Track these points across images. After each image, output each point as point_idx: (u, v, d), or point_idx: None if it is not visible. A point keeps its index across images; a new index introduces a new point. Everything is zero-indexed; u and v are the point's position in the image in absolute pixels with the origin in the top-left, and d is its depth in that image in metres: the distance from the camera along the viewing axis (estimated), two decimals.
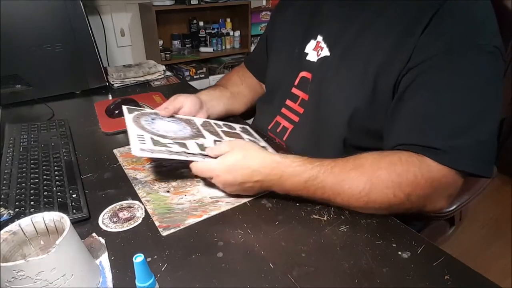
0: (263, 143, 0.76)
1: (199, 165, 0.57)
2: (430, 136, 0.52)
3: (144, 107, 0.96)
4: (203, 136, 0.67)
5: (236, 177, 0.54)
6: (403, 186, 0.51)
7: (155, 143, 0.58)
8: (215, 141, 0.67)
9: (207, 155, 0.59)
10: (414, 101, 0.55)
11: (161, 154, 0.55)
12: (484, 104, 0.52)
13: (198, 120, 0.75)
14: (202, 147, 0.62)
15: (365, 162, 0.53)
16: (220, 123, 0.78)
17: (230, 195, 0.59)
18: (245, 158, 0.54)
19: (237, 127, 0.81)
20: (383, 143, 0.60)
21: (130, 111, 0.70)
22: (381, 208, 0.53)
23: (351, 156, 0.55)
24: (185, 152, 0.58)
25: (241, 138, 0.74)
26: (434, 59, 0.53)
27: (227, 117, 0.86)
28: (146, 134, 0.61)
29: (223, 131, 0.74)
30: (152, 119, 0.68)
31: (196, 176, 0.62)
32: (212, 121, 0.77)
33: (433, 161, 0.51)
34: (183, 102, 0.75)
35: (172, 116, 0.73)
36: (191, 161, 0.58)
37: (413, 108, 0.55)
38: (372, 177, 0.51)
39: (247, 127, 0.83)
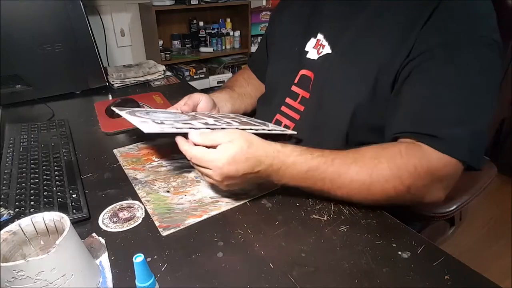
0: (271, 126, 0.73)
1: (198, 154, 0.52)
2: (429, 124, 0.52)
3: (144, 107, 0.96)
4: (202, 119, 0.66)
5: (239, 169, 0.51)
6: (403, 179, 0.51)
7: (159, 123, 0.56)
8: (206, 124, 0.63)
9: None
10: (413, 91, 0.55)
11: (170, 128, 0.53)
12: (482, 96, 0.52)
13: (192, 112, 0.75)
14: (207, 124, 0.60)
15: (365, 155, 0.53)
16: (213, 113, 0.77)
17: (230, 195, 0.59)
18: (250, 148, 0.52)
19: (233, 115, 0.79)
20: (384, 137, 0.60)
21: (121, 110, 0.69)
22: (381, 200, 0.54)
23: (351, 149, 0.55)
24: (191, 127, 0.55)
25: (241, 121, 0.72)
26: (433, 51, 0.53)
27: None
28: (147, 120, 0.59)
29: (220, 115, 0.73)
30: (147, 113, 0.68)
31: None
32: (207, 113, 0.76)
33: (432, 150, 0.51)
34: (200, 98, 0.75)
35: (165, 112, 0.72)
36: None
37: (412, 97, 0.55)
38: (373, 171, 0.52)
39: (240, 115, 0.82)
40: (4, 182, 0.59)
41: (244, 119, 0.74)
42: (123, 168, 0.67)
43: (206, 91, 0.87)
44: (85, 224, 0.53)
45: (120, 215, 0.55)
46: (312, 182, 0.54)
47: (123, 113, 0.64)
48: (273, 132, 0.65)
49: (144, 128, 0.51)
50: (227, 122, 0.65)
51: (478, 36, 0.52)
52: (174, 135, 0.57)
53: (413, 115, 0.55)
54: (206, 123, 0.61)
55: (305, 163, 0.53)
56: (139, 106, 0.92)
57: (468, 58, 0.52)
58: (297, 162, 0.53)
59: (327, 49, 0.68)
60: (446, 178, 0.53)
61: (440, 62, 0.53)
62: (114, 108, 0.71)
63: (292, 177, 0.54)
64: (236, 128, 0.58)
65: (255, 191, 0.60)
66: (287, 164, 0.53)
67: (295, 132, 0.69)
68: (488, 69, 0.52)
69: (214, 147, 0.52)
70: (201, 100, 0.75)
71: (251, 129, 0.60)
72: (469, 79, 0.52)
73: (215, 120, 0.67)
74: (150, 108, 0.76)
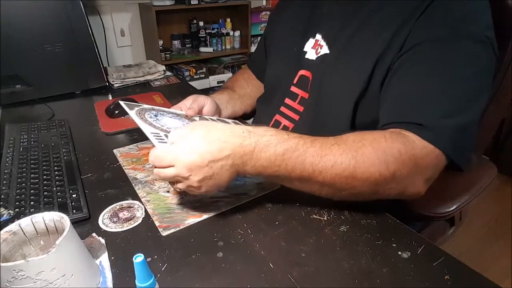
0: None
1: (158, 152, 0.48)
2: (416, 114, 0.52)
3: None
4: None
5: (203, 155, 0.46)
6: (389, 164, 0.48)
7: None
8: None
9: None
10: (402, 83, 0.55)
11: None
12: (471, 92, 0.52)
13: (194, 116, 0.74)
14: None
15: (347, 139, 0.50)
16: (214, 118, 0.78)
17: (230, 195, 0.59)
18: (211, 131, 0.47)
19: (230, 121, 0.81)
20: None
21: (130, 107, 0.68)
22: (366, 187, 0.50)
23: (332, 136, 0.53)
24: None
25: None
26: (424, 44, 0.53)
27: (234, 119, 0.87)
28: (160, 132, 0.58)
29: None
30: (155, 115, 0.67)
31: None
32: (207, 117, 0.76)
33: (417, 138, 0.51)
34: (205, 102, 0.75)
35: (169, 112, 0.72)
36: None
37: (400, 89, 0.55)
38: (357, 154, 0.48)
39: (237, 121, 0.84)
40: (4, 182, 0.59)
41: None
42: (123, 168, 0.67)
43: (206, 91, 0.87)
44: (85, 224, 0.53)
45: (120, 215, 0.55)
46: (290, 167, 0.48)
47: (133, 115, 0.63)
48: None
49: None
50: None
51: (471, 32, 0.52)
52: None
53: (401, 107, 0.55)
54: None
55: (281, 143, 0.48)
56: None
57: (459, 53, 0.52)
58: (272, 143, 0.48)
59: (325, 49, 0.68)
60: (428, 169, 0.52)
61: (431, 55, 0.53)
62: (122, 103, 0.68)
63: (268, 160, 0.48)
64: None
65: (255, 191, 0.60)
66: (261, 144, 0.47)
67: None
68: (479, 65, 0.52)
69: None
70: (207, 104, 0.75)
71: None
72: (457, 73, 0.52)
73: None
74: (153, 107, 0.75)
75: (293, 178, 0.50)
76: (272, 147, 0.48)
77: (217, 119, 0.77)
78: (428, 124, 0.51)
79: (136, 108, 0.67)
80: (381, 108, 0.58)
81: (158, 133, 0.56)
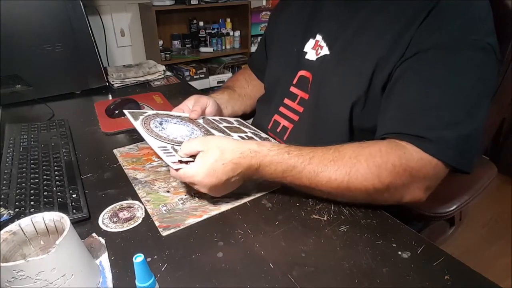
0: (264, 135, 0.76)
1: (181, 173, 0.53)
2: (417, 125, 0.52)
3: (143, 107, 0.96)
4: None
5: (220, 177, 0.52)
6: (382, 178, 0.51)
7: None
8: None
9: None
10: (404, 92, 0.55)
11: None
12: (474, 100, 0.52)
13: (200, 120, 0.75)
14: None
15: (344, 155, 0.53)
16: (217, 118, 0.78)
17: (231, 194, 0.59)
18: (224, 153, 0.52)
19: (233, 120, 0.81)
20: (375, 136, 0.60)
21: (134, 117, 0.66)
22: (360, 197, 0.54)
23: (333, 146, 0.55)
24: None
25: (243, 131, 0.74)
26: (427, 52, 0.53)
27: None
28: (167, 144, 0.58)
29: (226, 127, 0.73)
30: (160, 123, 0.66)
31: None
32: (210, 118, 0.76)
33: (415, 150, 0.51)
34: (207, 102, 0.75)
35: (172, 116, 0.72)
36: None
37: (402, 98, 0.55)
38: (351, 171, 0.51)
39: (240, 120, 0.84)
40: (4, 182, 0.59)
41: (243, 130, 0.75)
42: (123, 168, 0.67)
43: (206, 91, 0.87)
44: (85, 224, 0.53)
45: (120, 215, 0.55)
46: (289, 181, 0.54)
47: (138, 126, 0.62)
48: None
49: (172, 165, 0.52)
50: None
51: (472, 39, 0.52)
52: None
53: (402, 116, 0.55)
54: None
55: (282, 163, 0.53)
56: (139, 107, 0.92)
57: (461, 61, 0.52)
58: (273, 162, 0.53)
59: (325, 50, 0.68)
60: (426, 178, 0.53)
61: (432, 64, 0.53)
62: (126, 113, 0.66)
63: (271, 175, 0.54)
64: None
65: (255, 191, 0.60)
66: (264, 163, 0.53)
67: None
68: (481, 72, 0.52)
69: (194, 155, 0.54)
70: (209, 105, 0.75)
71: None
72: (460, 81, 0.52)
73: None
74: (153, 109, 0.75)
75: (296, 186, 0.55)
76: (273, 165, 0.53)
77: (220, 119, 0.78)
78: (428, 136, 0.51)
79: (141, 117, 0.66)
80: (382, 116, 0.58)
81: (166, 147, 0.56)
